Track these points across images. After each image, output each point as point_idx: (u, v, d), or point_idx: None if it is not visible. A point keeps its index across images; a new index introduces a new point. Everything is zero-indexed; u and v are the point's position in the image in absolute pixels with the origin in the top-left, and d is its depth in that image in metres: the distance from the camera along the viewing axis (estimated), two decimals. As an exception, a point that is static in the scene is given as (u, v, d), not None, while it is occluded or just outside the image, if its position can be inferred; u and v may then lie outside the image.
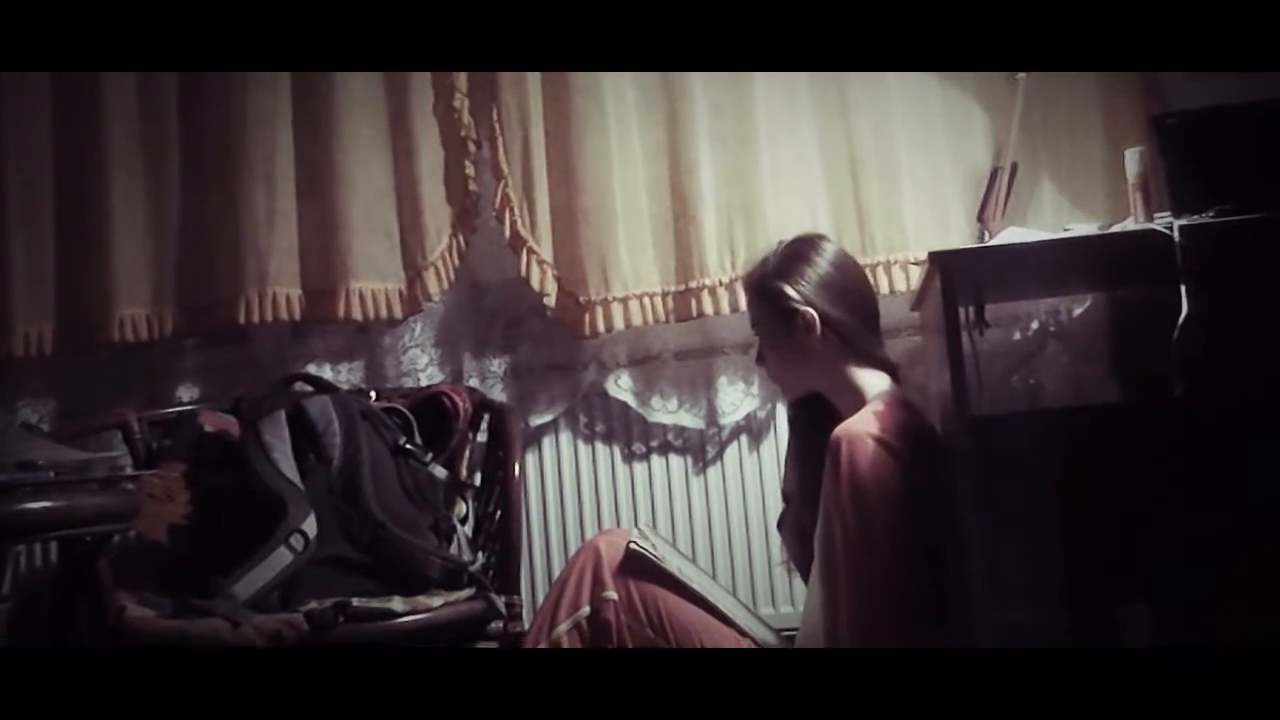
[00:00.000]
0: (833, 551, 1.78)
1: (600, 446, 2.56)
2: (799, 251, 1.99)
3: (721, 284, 2.44)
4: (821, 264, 1.97)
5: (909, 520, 1.75)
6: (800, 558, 2.04)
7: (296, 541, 2.00)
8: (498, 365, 2.59)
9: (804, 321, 1.93)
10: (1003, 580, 1.70)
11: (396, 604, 1.92)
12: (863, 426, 1.79)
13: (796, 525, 2.03)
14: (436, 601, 1.97)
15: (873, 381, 1.93)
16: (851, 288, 1.99)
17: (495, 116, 2.50)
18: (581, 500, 2.55)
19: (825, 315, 1.92)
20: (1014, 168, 2.26)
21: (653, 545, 2.05)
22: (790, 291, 1.93)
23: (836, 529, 1.76)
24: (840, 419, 1.85)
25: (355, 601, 1.91)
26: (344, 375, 2.59)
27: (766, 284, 1.97)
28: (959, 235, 2.37)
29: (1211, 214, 1.75)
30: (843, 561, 1.76)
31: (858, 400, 1.90)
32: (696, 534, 2.52)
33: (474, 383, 2.55)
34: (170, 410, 2.40)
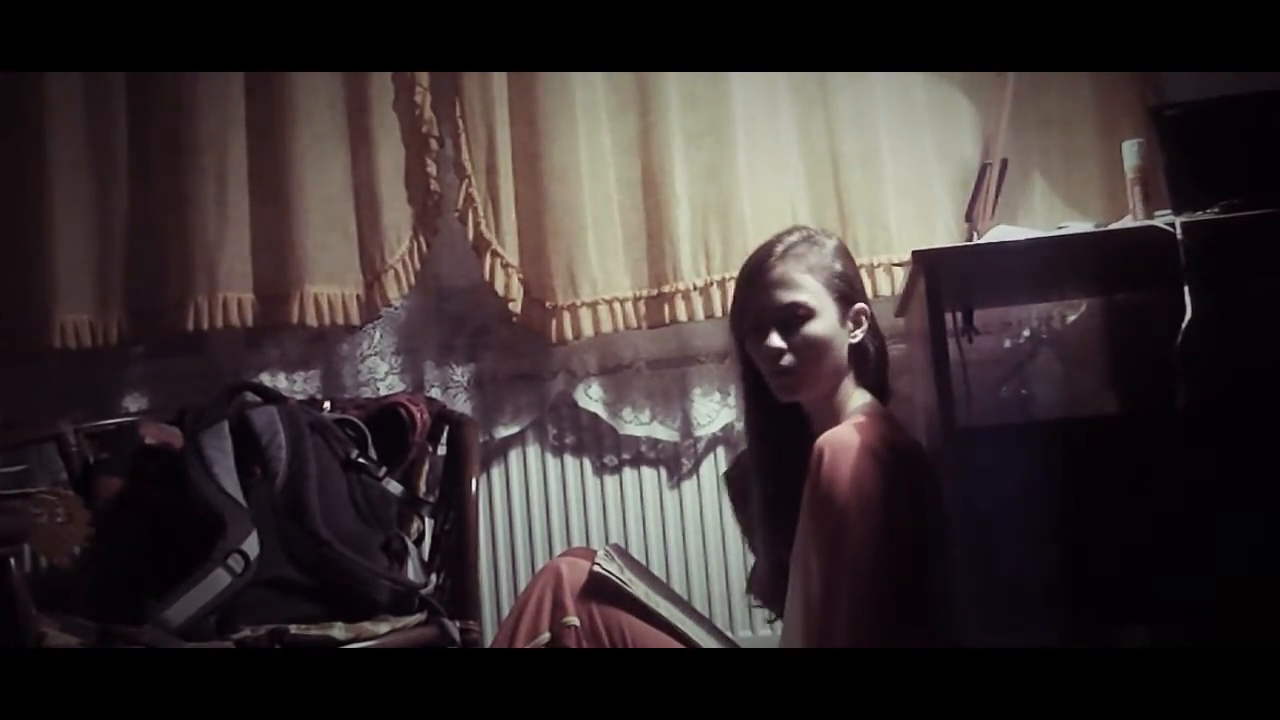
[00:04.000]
0: (810, 574, 1.66)
1: (570, 459, 2.46)
2: (836, 245, 1.89)
3: (696, 289, 2.34)
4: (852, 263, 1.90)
5: (894, 538, 1.64)
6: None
7: (235, 562, 1.88)
8: (461, 374, 2.48)
9: (858, 316, 1.84)
10: (993, 603, 1.60)
11: (338, 631, 1.80)
12: (847, 436, 1.68)
13: (771, 579, 1.89)
14: (383, 628, 1.84)
15: (858, 397, 1.84)
16: None
17: (459, 112, 2.40)
18: (550, 516, 2.45)
19: (872, 313, 1.85)
20: (1004, 164, 2.15)
21: (619, 567, 1.94)
22: (853, 281, 1.85)
23: (815, 546, 1.64)
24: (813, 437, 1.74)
25: (293, 629, 1.78)
26: (300, 384, 2.49)
27: (831, 262, 1.83)
28: (946, 236, 2.28)
29: (1216, 210, 1.65)
30: (821, 585, 1.64)
31: (838, 417, 1.80)
32: (670, 551, 2.41)
33: (436, 393, 2.45)
34: (109, 421, 2.27)
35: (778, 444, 1.85)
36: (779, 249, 1.84)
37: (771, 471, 1.87)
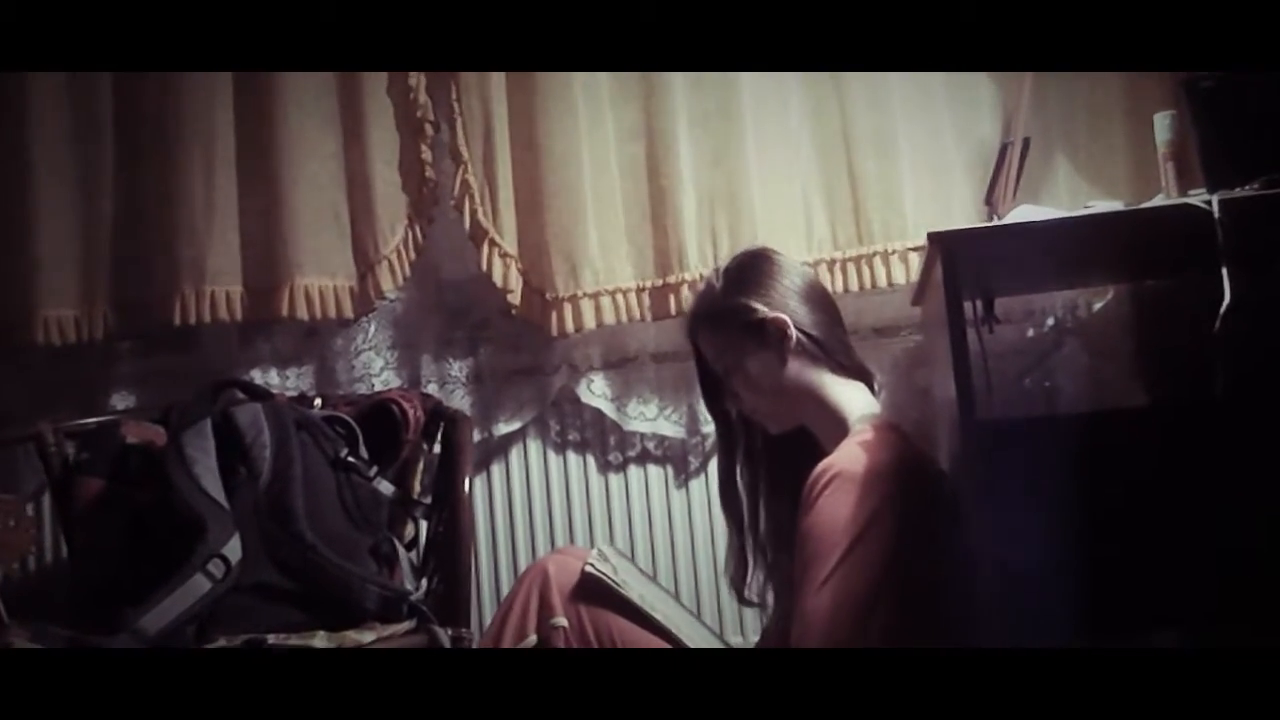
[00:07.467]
0: (810, 601, 1.59)
1: (572, 457, 2.38)
2: (746, 264, 1.85)
3: (703, 278, 2.22)
4: (773, 270, 1.83)
5: (903, 561, 1.58)
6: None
7: (216, 567, 1.80)
8: (459, 369, 2.40)
9: (776, 329, 1.76)
10: (1014, 603, 1.54)
11: (319, 640, 1.72)
12: (850, 463, 1.62)
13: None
14: (368, 637, 1.76)
15: (853, 399, 1.76)
16: (810, 287, 1.85)
17: (454, 96, 2.32)
18: (552, 516, 2.37)
19: (795, 318, 1.77)
20: (1025, 143, 2.06)
21: (612, 568, 1.87)
22: (752, 303, 1.77)
23: (813, 570, 1.57)
24: (822, 454, 1.69)
25: (271, 639, 1.71)
26: (292, 381, 2.41)
27: (723, 304, 1.80)
28: (964, 221, 2.18)
29: (1256, 186, 1.55)
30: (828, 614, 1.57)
31: (839, 424, 1.73)
32: (677, 552, 2.33)
33: (433, 388, 2.37)
34: (89, 420, 2.20)
35: (786, 468, 1.82)
36: (693, 314, 1.86)
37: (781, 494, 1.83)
